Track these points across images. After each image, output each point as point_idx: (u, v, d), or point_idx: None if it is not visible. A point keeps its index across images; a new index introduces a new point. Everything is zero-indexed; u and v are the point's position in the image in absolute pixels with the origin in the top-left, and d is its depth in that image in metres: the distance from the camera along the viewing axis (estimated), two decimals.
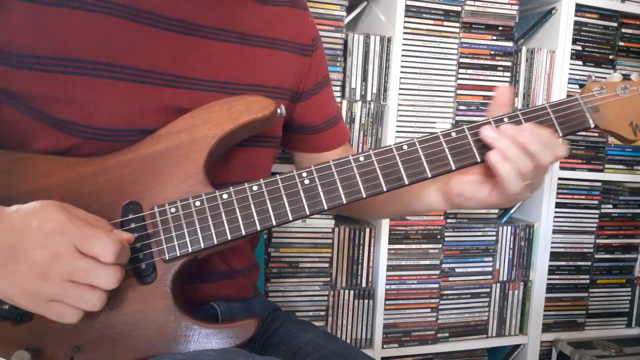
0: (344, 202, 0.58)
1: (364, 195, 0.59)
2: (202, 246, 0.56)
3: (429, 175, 0.60)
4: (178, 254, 0.56)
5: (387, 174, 0.59)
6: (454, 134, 0.61)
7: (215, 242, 0.56)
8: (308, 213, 0.58)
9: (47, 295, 0.47)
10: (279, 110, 0.63)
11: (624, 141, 0.66)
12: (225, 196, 0.57)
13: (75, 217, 0.48)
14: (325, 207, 0.58)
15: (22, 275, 0.46)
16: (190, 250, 0.56)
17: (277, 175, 0.58)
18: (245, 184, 0.58)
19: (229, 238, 0.56)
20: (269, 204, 0.57)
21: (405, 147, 0.60)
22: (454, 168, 0.61)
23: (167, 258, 0.56)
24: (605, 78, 0.67)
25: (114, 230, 0.52)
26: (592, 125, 0.64)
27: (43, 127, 0.56)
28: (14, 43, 0.54)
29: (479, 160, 0.61)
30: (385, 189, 0.59)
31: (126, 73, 0.58)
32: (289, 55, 0.73)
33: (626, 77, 0.66)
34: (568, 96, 1.42)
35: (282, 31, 0.72)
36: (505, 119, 0.62)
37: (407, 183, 0.60)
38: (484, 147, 0.61)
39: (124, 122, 0.58)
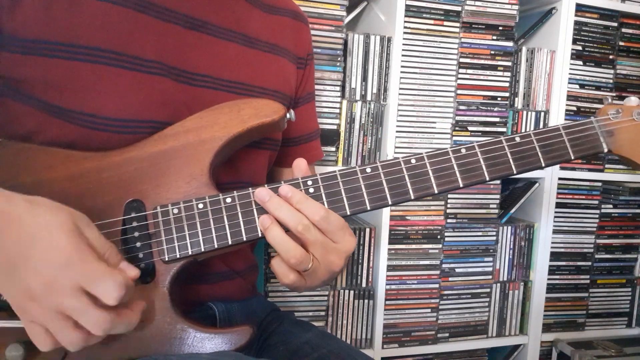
0: (348, 213, 0.58)
1: (368, 208, 0.58)
2: (203, 249, 0.56)
3: (436, 191, 0.59)
4: (178, 256, 0.56)
5: (393, 187, 0.59)
6: (463, 151, 0.60)
7: (216, 246, 0.56)
8: None
9: (31, 316, 0.45)
10: (288, 115, 0.62)
11: (637, 168, 0.64)
12: (228, 200, 0.57)
13: (85, 247, 0.46)
14: None
15: (17, 289, 0.45)
16: (190, 253, 0.56)
17: (282, 182, 0.58)
18: (250, 188, 0.58)
19: (230, 243, 0.56)
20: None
21: (413, 160, 0.59)
22: (461, 185, 0.60)
23: (166, 259, 0.56)
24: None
25: (122, 264, 0.50)
26: (606, 150, 0.62)
27: (49, 118, 0.57)
28: (25, 29, 0.55)
29: (487, 179, 0.60)
30: (390, 202, 0.58)
31: (132, 63, 0.58)
32: (288, 63, 0.74)
33: None
34: (568, 96, 1.43)
35: (283, 40, 0.73)
36: (517, 139, 0.60)
37: (413, 197, 0.59)
38: (494, 166, 0.60)
39: (129, 112, 0.58)
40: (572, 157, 0.61)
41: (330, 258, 0.56)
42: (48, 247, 0.44)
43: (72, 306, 0.44)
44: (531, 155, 0.60)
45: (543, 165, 0.61)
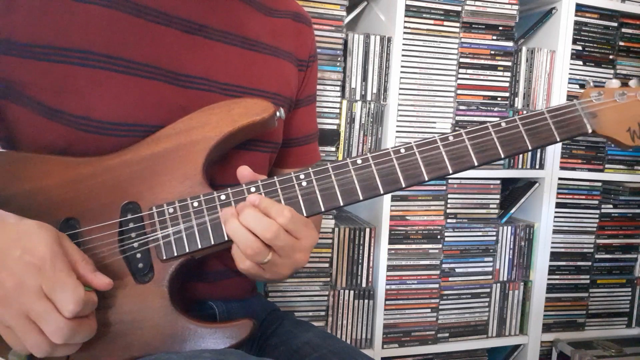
0: (341, 204, 0.59)
1: (361, 198, 0.59)
2: (199, 246, 0.56)
3: (426, 179, 0.60)
4: (175, 254, 0.56)
5: (384, 176, 0.60)
6: (451, 138, 0.61)
7: (212, 243, 0.56)
8: (305, 215, 0.58)
9: (3, 320, 0.46)
10: (278, 114, 0.63)
11: (621, 146, 0.66)
12: (223, 197, 0.57)
13: (60, 256, 0.47)
14: (323, 210, 0.58)
15: None
16: (187, 251, 0.56)
17: (275, 177, 0.59)
18: (244, 185, 0.58)
19: (226, 239, 0.56)
20: None
21: (402, 150, 0.61)
22: (450, 172, 0.61)
23: (164, 258, 0.56)
24: (605, 80, 0.67)
25: (96, 273, 0.51)
26: (590, 131, 0.64)
27: (44, 121, 0.57)
28: (21, 33, 0.56)
29: (476, 164, 0.61)
30: (382, 192, 0.59)
31: (127, 66, 0.58)
32: (289, 65, 0.74)
33: (624, 84, 0.66)
34: (568, 96, 1.43)
35: (284, 42, 0.73)
36: (503, 124, 0.62)
37: (404, 186, 0.60)
38: (482, 151, 0.61)
39: (124, 116, 0.58)
40: (558, 139, 0.63)
41: (295, 256, 0.56)
42: (27, 249, 0.46)
43: (35, 309, 0.46)
44: (518, 139, 0.62)
45: (530, 148, 0.62)
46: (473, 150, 0.61)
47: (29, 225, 0.48)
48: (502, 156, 0.62)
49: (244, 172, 0.59)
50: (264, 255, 0.54)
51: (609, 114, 0.64)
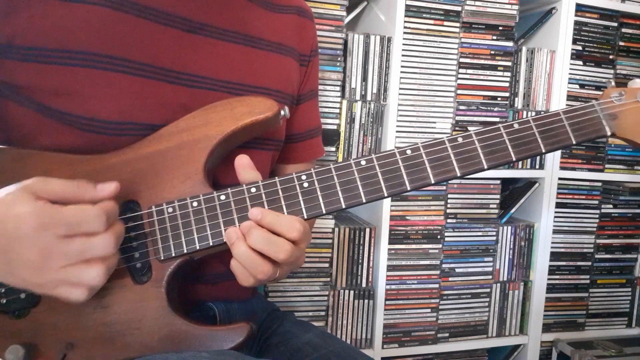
0: (343, 206, 0.57)
1: (364, 200, 0.57)
2: (198, 247, 0.56)
3: (432, 181, 0.58)
4: (173, 254, 0.56)
5: (388, 178, 0.57)
6: (460, 140, 0.58)
7: (211, 244, 0.56)
8: (306, 217, 0.57)
9: (51, 284, 0.47)
10: (282, 112, 0.62)
11: None
12: (222, 197, 0.57)
13: (44, 205, 0.46)
14: (324, 212, 0.57)
15: (23, 272, 0.46)
16: (185, 251, 0.56)
17: (276, 178, 0.58)
18: (244, 185, 0.57)
19: (225, 240, 0.56)
20: (266, 207, 0.56)
21: (408, 151, 0.58)
22: (458, 174, 0.58)
23: (162, 258, 0.56)
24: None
25: (96, 188, 0.50)
26: (609, 133, 0.60)
27: (48, 122, 0.57)
28: (22, 37, 0.56)
29: (485, 167, 0.58)
30: (386, 194, 0.57)
31: (128, 66, 0.58)
32: (291, 61, 0.74)
33: None
34: (568, 96, 1.43)
35: (286, 37, 0.73)
36: (516, 125, 0.59)
37: (409, 188, 0.57)
38: (492, 154, 0.58)
39: (125, 115, 0.58)
40: (574, 142, 0.59)
41: (298, 262, 0.57)
42: (16, 221, 0.45)
43: (72, 251, 0.46)
44: (530, 141, 0.59)
45: (543, 151, 0.59)
46: (483, 153, 0.58)
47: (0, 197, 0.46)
48: (514, 159, 0.59)
49: (243, 160, 0.57)
50: (274, 274, 0.54)
51: (630, 116, 0.60)
